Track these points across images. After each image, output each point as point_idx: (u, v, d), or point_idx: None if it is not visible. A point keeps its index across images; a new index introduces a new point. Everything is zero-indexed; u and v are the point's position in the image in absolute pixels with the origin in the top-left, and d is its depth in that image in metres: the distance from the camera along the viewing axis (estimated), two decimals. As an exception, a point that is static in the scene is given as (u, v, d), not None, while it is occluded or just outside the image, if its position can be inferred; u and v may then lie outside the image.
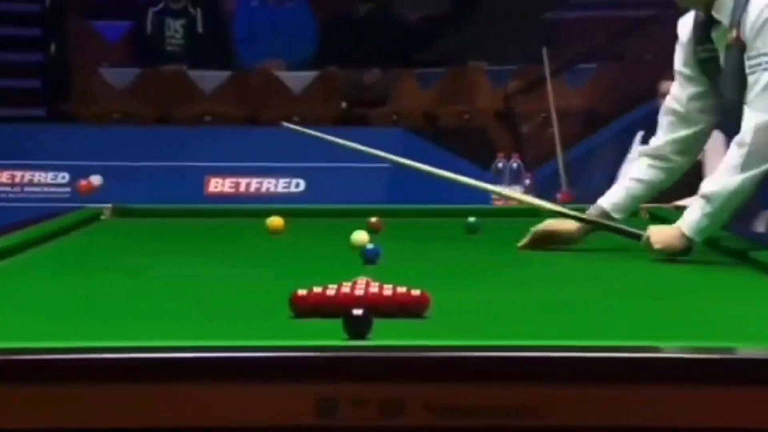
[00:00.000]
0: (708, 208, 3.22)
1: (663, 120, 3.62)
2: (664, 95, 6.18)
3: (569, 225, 3.52)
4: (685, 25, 3.52)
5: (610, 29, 9.16)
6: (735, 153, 3.25)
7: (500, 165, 5.43)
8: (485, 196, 5.44)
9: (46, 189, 8.14)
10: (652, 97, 6.55)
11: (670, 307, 2.52)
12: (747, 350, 1.93)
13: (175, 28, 9.18)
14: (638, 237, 3.33)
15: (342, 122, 9.00)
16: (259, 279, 2.93)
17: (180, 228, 4.14)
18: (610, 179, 6.54)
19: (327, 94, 9.13)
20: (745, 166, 3.21)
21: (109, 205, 4.38)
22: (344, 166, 8.10)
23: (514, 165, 5.42)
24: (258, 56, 9.17)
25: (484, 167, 6.01)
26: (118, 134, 8.48)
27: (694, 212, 3.25)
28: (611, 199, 3.56)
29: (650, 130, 6.30)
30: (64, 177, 8.15)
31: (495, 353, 1.85)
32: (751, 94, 3.24)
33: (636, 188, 3.58)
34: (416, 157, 8.05)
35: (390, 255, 3.12)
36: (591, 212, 3.57)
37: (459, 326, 2.25)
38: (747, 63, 3.26)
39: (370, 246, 3.10)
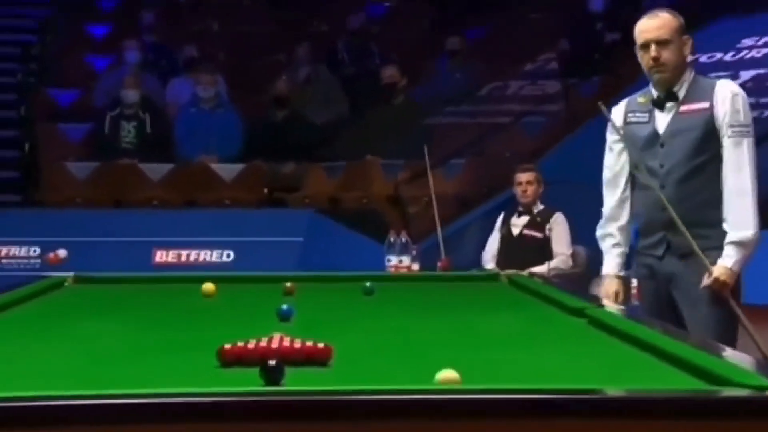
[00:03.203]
0: (744, 250, 3.54)
1: (604, 192, 3.83)
2: (519, 183, 6.30)
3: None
4: (618, 111, 3.78)
5: (475, 132, 9.28)
6: (745, 203, 3.52)
7: (392, 239, 5.41)
8: (381, 263, 5.39)
9: (20, 261, 7.98)
10: (509, 186, 6.63)
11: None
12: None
13: (128, 129, 9.07)
14: (710, 272, 3.54)
15: (264, 204, 8.97)
16: (193, 334, 2.85)
17: (130, 292, 4.04)
18: (478, 250, 6.58)
19: (252, 182, 9.08)
20: (755, 212, 3.53)
21: (72, 274, 4.27)
22: (266, 240, 8.07)
23: (403, 239, 5.41)
24: (196, 152, 9.10)
25: (378, 241, 6.01)
26: (81, 215, 8.33)
27: (735, 254, 3.53)
28: (613, 263, 3.79)
29: (509, 212, 6.41)
30: (35, 251, 7.99)
31: (384, 396, 1.82)
32: (740, 152, 3.53)
33: (618, 251, 3.80)
34: (323, 232, 8.13)
35: (301, 314, 3.06)
36: (608, 275, 3.78)
37: (356, 373, 2.21)
38: (727, 128, 3.54)
39: (284, 306, 3.02)
